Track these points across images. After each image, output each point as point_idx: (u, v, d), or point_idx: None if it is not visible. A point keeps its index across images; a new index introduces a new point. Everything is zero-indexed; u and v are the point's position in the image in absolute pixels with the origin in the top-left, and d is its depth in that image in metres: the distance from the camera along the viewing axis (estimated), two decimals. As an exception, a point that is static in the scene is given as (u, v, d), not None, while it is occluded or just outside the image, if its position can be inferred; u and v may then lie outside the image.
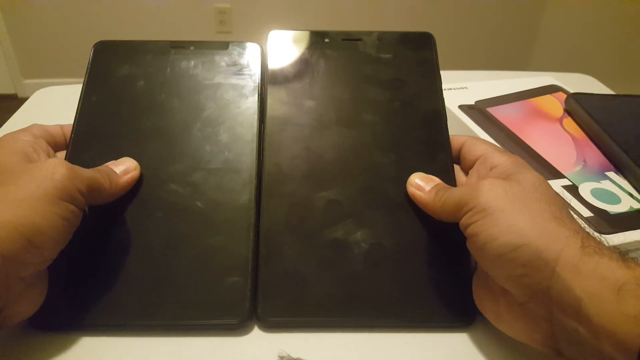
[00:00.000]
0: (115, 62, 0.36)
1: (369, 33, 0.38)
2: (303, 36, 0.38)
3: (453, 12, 1.85)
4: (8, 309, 0.23)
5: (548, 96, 0.45)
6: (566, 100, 0.43)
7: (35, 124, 0.32)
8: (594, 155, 0.38)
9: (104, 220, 0.30)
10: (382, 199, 0.31)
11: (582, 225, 0.24)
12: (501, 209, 0.24)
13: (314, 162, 0.32)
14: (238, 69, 0.36)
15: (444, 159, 0.33)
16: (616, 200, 0.33)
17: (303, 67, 0.36)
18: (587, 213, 0.32)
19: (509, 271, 0.23)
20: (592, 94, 0.44)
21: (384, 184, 0.32)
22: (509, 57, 1.98)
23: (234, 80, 0.36)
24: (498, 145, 0.38)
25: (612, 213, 0.32)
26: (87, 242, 0.28)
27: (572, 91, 0.46)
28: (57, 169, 0.25)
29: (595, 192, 0.34)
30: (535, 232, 0.22)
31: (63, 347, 0.26)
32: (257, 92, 0.35)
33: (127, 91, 0.35)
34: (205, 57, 0.37)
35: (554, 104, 0.44)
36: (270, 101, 0.35)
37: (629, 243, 0.30)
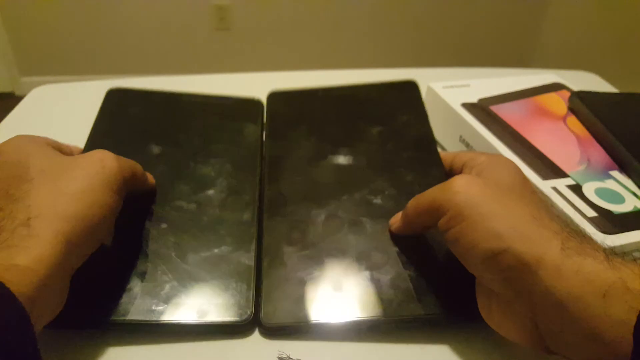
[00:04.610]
0: (126, 103, 0.41)
1: (358, 87, 0.43)
2: (299, 93, 0.43)
3: (455, 8, 1.85)
4: (46, 307, 0.22)
5: (552, 94, 0.45)
6: (570, 99, 0.43)
7: (46, 138, 0.30)
8: (598, 154, 0.37)
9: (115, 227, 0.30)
10: (379, 210, 0.33)
11: (563, 222, 0.23)
12: (478, 212, 0.23)
13: (313, 185, 0.35)
14: (241, 116, 0.41)
15: (437, 174, 0.34)
16: (620, 200, 0.33)
17: (299, 117, 0.41)
18: (591, 213, 0.32)
19: (492, 275, 0.23)
20: (596, 92, 0.44)
21: (380, 197, 0.34)
22: (512, 54, 1.97)
23: (237, 125, 0.40)
24: (501, 143, 0.37)
25: (616, 213, 0.32)
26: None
27: (575, 89, 0.45)
28: (106, 161, 0.26)
29: (599, 192, 0.33)
30: (515, 236, 0.22)
31: (66, 344, 0.26)
32: (258, 133, 0.40)
33: (136, 126, 0.39)
34: (210, 105, 0.42)
35: (558, 102, 0.44)
36: (270, 141, 0.39)
37: (633, 243, 0.30)
